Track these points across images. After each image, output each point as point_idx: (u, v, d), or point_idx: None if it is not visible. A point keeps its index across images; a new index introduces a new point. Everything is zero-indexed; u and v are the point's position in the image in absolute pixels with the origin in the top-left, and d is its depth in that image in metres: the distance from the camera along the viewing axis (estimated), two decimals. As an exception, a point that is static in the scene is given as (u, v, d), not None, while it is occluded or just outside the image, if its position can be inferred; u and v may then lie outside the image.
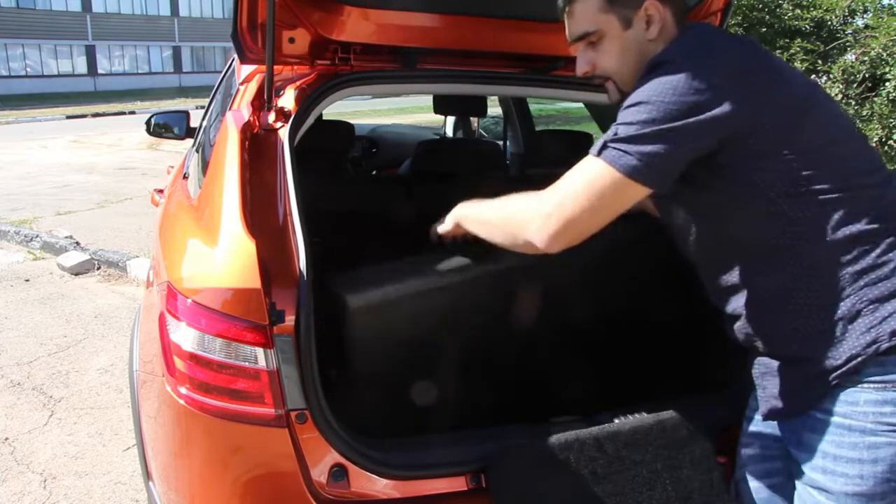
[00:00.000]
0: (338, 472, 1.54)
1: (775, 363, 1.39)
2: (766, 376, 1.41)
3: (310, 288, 1.51)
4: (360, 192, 2.96)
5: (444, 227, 1.74)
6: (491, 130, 5.43)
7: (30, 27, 33.01)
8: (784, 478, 1.48)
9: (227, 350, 1.45)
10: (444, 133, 5.06)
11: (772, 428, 1.49)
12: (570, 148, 3.00)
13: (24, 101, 26.28)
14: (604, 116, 3.18)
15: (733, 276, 1.38)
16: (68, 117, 20.88)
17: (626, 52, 1.39)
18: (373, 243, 2.67)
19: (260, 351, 1.46)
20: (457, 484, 1.61)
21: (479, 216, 1.58)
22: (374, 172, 4.49)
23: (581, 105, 3.37)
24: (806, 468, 1.35)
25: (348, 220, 2.59)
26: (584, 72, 1.45)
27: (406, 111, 17.84)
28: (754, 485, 1.53)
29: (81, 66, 36.02)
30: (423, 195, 2.82)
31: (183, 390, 1.50)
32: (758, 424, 1.53)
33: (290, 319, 1.48)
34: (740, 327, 1.42)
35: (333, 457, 1.53)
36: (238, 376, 1.47)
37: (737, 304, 1.40)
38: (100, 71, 36.71)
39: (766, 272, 1.33)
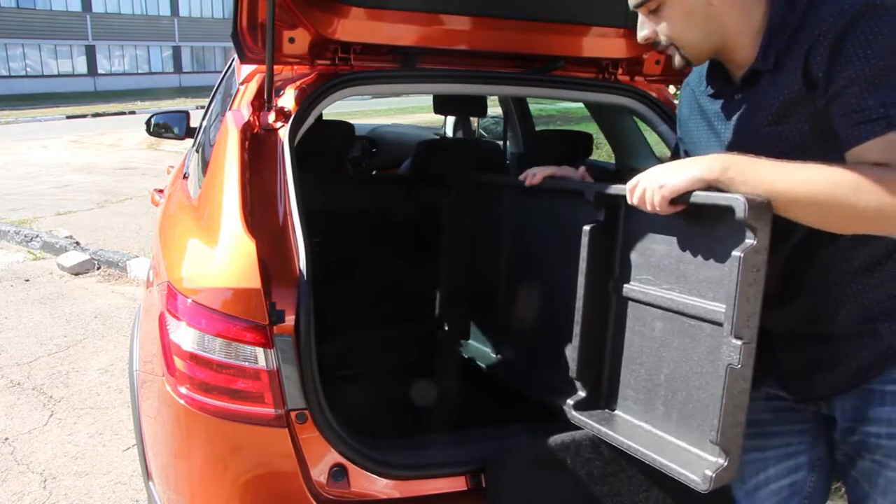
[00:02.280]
0: (338, 472, 1.54)
1: (837, 342, 1.33)
2: (821, 357, 1.36)
3: (310, 288, 1.51)
4: (360, 192, 2.96)
5: (679, 180, 1.24)
6: (491, 130, 5.42)
7: (30, 27, 33.01)
8: (806, 471, 1.48)
9: (227, 350, 1.46)
10: (444, 133, 5.06)
11: (796, 422, 1.46)
12: (570, 148, 3.00)
13: (24, 101, 26.29)
14: (604, 116, 3.18)
15: (837, 246, 1.29)
16: (68, 117, 20.88)
17: (688, 18, 1.32)
18: (373, 243, 2.68)
19: (260, 351, 1.46)
20: (456, 484, 1.61)
21: (792, 182, 1.17)
22: (374, 172, 4.49)
23: (581, 105, 3.36)
24: (881, 441, 1.33)
25: (348, 220, 2.59)
26: (645, 37, 1.39)
27: (406, 111, 17.83)
28: (776, 486, 1.51)
29: (81, 66, 36.01)
30: (422, 195, 2.82)
31: (183, 390, 1.50)
32: (779, 421, 1.49)
33: (290, 319, 1.48)
34: (808, 307, 1.34)
35: (333, 457, 1.54)
36: (238, 376, 1.47)
37: (824, 278, 1.32)
38: (100, 71, 36.70)
39: (867, 241, 1.27)
